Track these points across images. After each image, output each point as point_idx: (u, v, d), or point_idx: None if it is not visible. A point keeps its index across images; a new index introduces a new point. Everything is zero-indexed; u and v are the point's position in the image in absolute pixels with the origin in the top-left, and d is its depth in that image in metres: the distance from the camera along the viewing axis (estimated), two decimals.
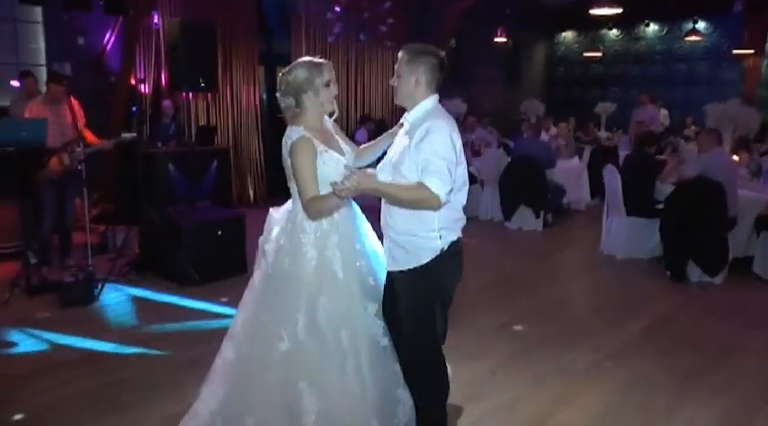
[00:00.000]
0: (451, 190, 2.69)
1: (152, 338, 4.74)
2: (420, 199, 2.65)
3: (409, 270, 2.82)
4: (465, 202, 2.90)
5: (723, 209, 6.14)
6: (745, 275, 6.39)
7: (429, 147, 2.67)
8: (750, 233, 6.56)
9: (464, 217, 2.91)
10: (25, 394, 3.83)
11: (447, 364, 3.07)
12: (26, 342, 4.64)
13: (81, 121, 6.10)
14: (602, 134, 12.63)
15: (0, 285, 5.67)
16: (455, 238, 2.85)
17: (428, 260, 2.79)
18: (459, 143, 2.78)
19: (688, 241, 6.26)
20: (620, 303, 5.80)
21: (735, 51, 13.45)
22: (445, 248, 2.80)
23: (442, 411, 3.05)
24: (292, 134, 2.86)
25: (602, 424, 3.56)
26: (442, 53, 2.85)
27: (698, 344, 4.72)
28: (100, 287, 5.62)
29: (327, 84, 2.92)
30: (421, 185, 2.63)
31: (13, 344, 4.61)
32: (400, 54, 2.85)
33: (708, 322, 5.25)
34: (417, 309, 2.85)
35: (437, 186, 2.61)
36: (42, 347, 4.57)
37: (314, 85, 2.90)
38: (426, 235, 2.78)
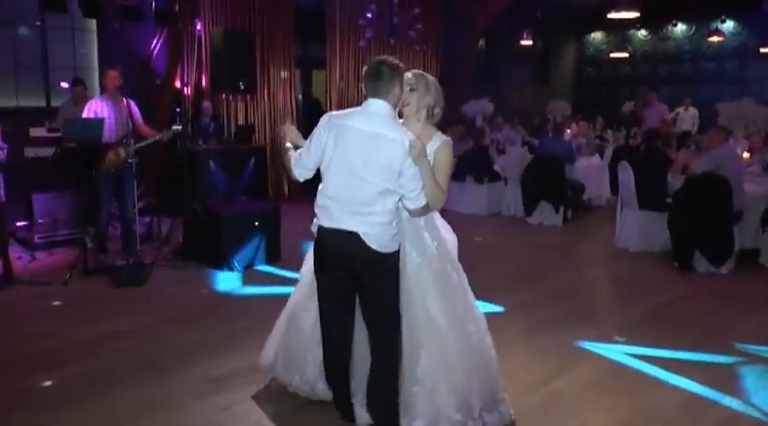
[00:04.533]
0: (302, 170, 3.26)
1: (194, 314, 5.32)
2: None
3: None
4: (330, 193, 3.11)
5: (729, 203, 6.47)
6: (752, 266, 6.73)
7: None
8: (759, 225, 6.88)
9: (326, 207, 3.13)
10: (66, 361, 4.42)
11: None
12: (82, 317, 5.25)
13: (137, 118, 6.72)
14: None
15: (60, 267, 6.34)
16: (320, 224, 3.18)
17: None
18: (329, 137, 3.10)
19: (695, 233, 6.60)
20: (626, 290, 6.22)
21: (762, 50, 13.60)
22: (314, 231, 3.23)
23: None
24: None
25: (592, 390, 3.99)
26: (373, 63, 3.14)
27: (693, 326, 5.10)
28: (148, 271, 6.21)
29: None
30: None
31: (73, 317, 5.22)
32: None
33: (707, 307, 5.63)
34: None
35: None
36: (94, 321, 5.17)
37: None
38: None
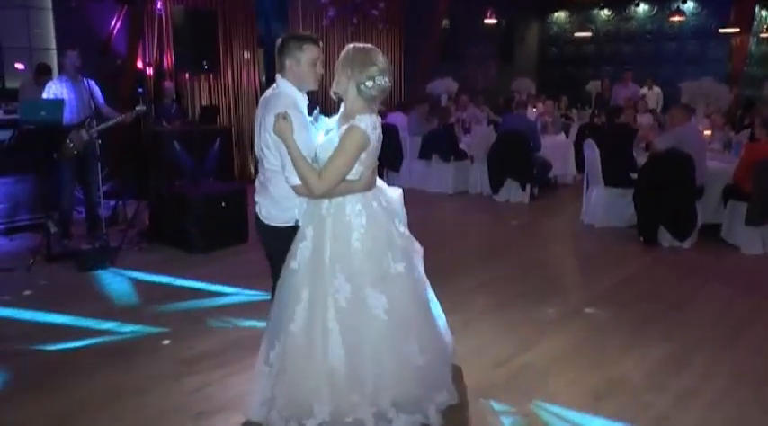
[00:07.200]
0: None
1: (163, 296, 5.26)
2: None
3: None
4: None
5: (692, 180, 6.59)
6: (713, 240, 6.86)
7: None
8: (720, 201, 7.03)
9: None
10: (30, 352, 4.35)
11: None
12: (47, 303, 5.16)
13: (99, 99, 6.57)
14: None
15: (23, 254, 6.21)
16: None
17: None
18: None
19: (659, 208, 6.71)
20: (592, 265, 6.31)
21: (721, 30, 13.81)
22: None
23: None
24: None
25: (557, 363, 4.04)
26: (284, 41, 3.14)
27: (656, 298, 5.23)
28: (114, 254, 6.12)
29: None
30: None
31: (37, 303, 5.12)
32: None
33: (670, 280, 5.76)
34: None
35: None
36: (60, 306, 5.08)
37: None
38: None
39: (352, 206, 3.06)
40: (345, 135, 2.96)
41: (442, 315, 3.49)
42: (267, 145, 3.08)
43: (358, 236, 3.03)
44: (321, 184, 2.94)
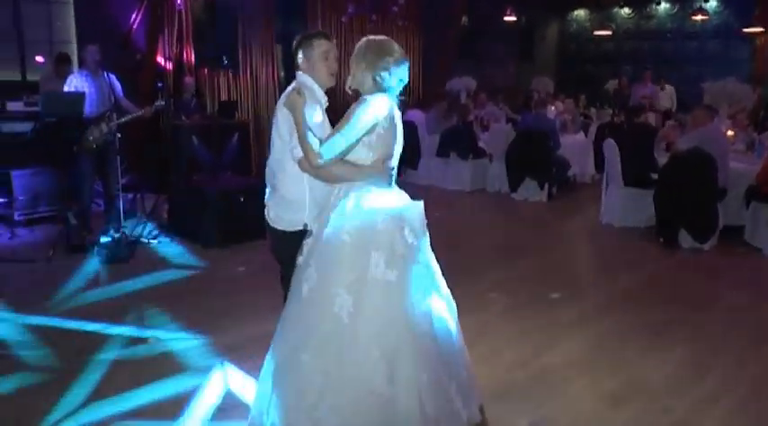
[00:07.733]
0: None
1: (182, 290, 5.29)
2: None
3: None
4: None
5: (713, 181, 6.51)
6: (735, 242, 6.77)
7: None
8: (742, 202, 6.93)
9: None
10: None
11: None
12: (67, 293, 5.20)
13: (119, 93, 6.61)
14: None
15: (42, 244, 6.28)
16: None
17: None
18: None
19: (680, 210, 6.64)
20: (611, 266, 6.26)
21: (744, 29, 13.62)
22: None
23: None
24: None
25: (577, 365, 4.01)
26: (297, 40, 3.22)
27: (676, 301, 5.17)
28: (133, 247, 6.15)
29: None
30: None
31: (58, 292, 5.16)
32: None
33: (690, 282, 5.70)
34: None
35: None
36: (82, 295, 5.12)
37: None
38: None
39: (357, 196, 2.92)
40: (353, 106, 2.92)
41: (467, 361, 3.18)
42: (278, 126, 3.08)
43: (349, 228, 2.86)
44: (322, 150, 2.84)
